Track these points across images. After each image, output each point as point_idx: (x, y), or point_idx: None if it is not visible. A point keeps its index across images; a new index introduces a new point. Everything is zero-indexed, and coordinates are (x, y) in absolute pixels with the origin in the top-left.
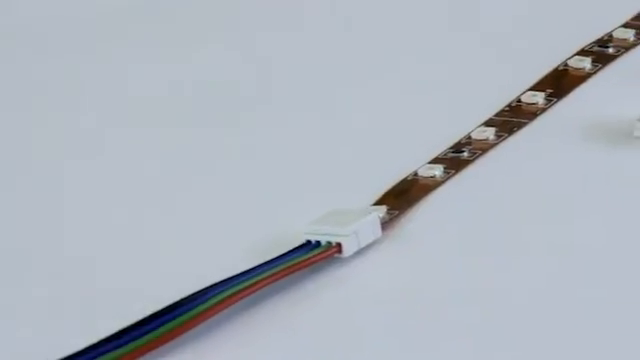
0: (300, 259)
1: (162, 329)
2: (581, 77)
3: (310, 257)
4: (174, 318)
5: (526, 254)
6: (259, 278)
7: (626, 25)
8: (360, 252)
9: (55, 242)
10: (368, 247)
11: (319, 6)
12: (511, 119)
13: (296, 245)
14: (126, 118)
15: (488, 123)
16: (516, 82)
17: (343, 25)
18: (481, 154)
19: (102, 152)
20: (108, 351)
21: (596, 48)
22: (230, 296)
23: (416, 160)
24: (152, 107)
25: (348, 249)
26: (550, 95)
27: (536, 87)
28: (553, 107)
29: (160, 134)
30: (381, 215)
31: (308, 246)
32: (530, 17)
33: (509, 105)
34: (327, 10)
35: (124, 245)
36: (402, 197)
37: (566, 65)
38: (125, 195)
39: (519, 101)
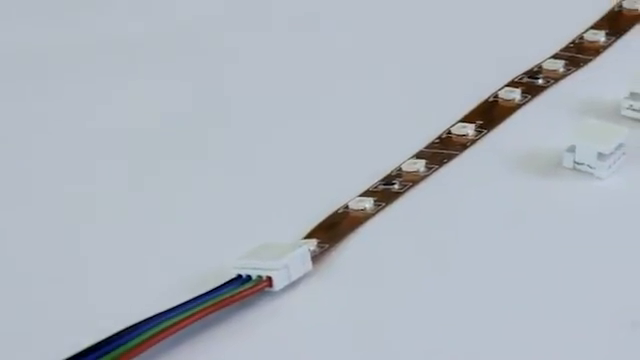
0: (230, 294)
1: None
2: (511, 108)
3: (241, 291)
4: (99, 357)
5: (457, 285)
6: (189, 314)
7: (556, 56)
8: (291, 285)
9: None
10: (299, 280)
11: (248, 42)
12: (442, 151)
13: (227, 280)
14: (65, 151)
15: (419, 155)
16: (447, 114)
17: (273, 61)
18: (412, 186)
19: (35, 189)
20: None
21: (526, 79)
22: (159, 332)
23: (347, 193)
24: (90, 142)
25: (279, 283)
26: (480, 126)
27: (466, 118)
28: (483, 138)
29: (92, 167)
30: (312, 248)
31: (239, 280)
32: (460, 48)
33: (440, 137)
34: (256, 43)
35: (51, 281)
36: (333, 230)
37: (496, 96)
38: (56, 227)
39: (449, 133)
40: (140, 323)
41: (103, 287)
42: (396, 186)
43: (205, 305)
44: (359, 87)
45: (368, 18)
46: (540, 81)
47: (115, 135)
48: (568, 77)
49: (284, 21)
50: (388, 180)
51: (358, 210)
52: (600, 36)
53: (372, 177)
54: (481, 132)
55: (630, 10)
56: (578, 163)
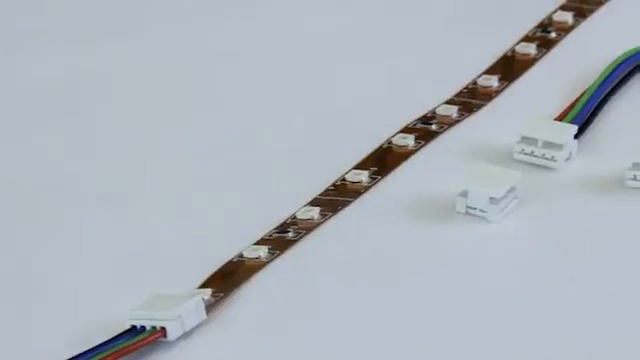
0: (125, 344)
1: None
2: (405, 154)
3: (135, 342)
4: None
5: (352, 332)
6: None
7: (449, 102)
8: (185, 335)
9: None
10: (193, 330)
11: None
12: (336, 198)
13: (121, 331)
14: None
15: (313, 202)
16: (341, 160)
17: (163, 109)
18: (306, 234)
19: None
20: None
21: (420, 125)
22: None
23: (242, 241)
24: None
25: (173, 333)
26: (374, 173)
27: (360, 165)
28: (377, 185)
29: None
30: (206, 298)
31: (133, 331)
32: (354, 95)
33: (334, 184)
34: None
35: None
36: (228, 279)
37: (390, 142)
38: None
39: (344, 180)
40: None
41: None
42: (290, 234)
43: (100, 357)
44: (252, 134)
45: (259, 61)
46: (434, 127)
47: None
48: (462, 122)
49: (168, 75)
50: (283, 228)
51: (252, 259)
52: (493, 81)
53: (267, 225)
54: (375, 178)
55: (523, 55)
56: (470, 207)
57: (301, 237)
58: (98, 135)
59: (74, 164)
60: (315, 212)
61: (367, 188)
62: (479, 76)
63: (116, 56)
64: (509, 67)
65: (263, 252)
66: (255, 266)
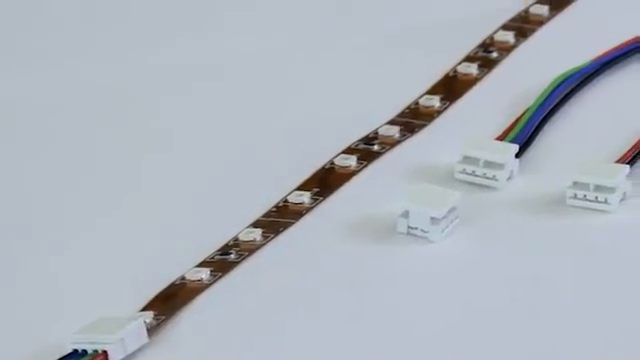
0: None
1: None
2: (347, 175)
3: None
4: None
5: (291, 355)
6: None
7: (391, 122)
8: (127, 358)
9: None
10: (135, 353)
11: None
12: (278, 219)
13: (63, 355)
14: None
15: (256, 224)
16: (284, 182)
17: (95, 131)
18: (248, 255)
19: None
20: None
21: (362, 146)
22: None
23: (184, 264)
24: None
25: (114, 356)
26: (316, 194)
27: (303, 186)
28: (319, 206)
29: None
30: (148, 320)
31: (74, 355)
32: (296, 114)
33: (276, 205)
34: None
35: None
36: (170, 302)
37: (332, 163)
38: None
39: (286, 201)
40: None
41: None
42: (232, 256)
43: None
44: (193, 155)
45: (199, 82)
46: (376, 147)
47: None
48: (403, 142)
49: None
50: (225, 250)
51: (195, 281)
52: (435, 101)
53: (209, 247)
54: (317, 200)
55: (464, 75)
56: (412, 228)
57: (243, 259)
58: (40, 159)
59: (17, 186)
60: (257, 234)
61: (309, 209)
62: (421, 96)
63: (90, 74)
64: (451, 87)
65: (205, 274)
66: (197, 288)
